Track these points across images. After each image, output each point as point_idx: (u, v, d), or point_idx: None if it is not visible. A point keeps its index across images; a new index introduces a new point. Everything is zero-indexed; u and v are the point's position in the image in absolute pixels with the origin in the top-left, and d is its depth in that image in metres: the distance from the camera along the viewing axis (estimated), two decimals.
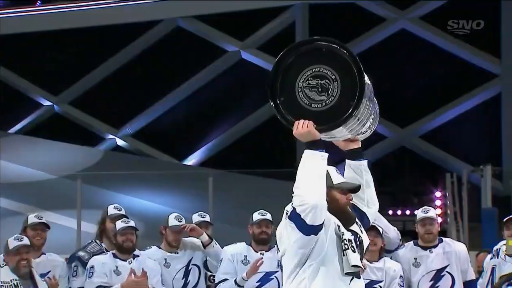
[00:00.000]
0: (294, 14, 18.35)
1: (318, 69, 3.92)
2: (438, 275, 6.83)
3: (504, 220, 7.30)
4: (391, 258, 6.96)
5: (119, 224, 6.64)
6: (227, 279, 6.63)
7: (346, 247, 4.02)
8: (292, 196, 4.02)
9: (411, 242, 7.02)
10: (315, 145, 3.99)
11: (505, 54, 17.72)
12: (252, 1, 18.13)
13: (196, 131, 19.04)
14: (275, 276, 6.74)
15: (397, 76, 18.05)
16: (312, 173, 3.97)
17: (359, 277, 4.10)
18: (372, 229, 6.79)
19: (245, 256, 6.72)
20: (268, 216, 6.85)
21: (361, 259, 4.15)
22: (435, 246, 6.91)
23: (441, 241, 6.98)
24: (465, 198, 14.79)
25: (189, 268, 6.97)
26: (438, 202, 15.76)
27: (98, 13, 18.62)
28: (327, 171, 4.18)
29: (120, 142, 19.52)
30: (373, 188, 4.32)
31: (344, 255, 4.01)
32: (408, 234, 7.68)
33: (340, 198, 4.14)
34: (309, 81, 3.94)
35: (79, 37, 18.81)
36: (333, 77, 3.90)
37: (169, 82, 19.02)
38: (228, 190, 14.59)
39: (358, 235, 4.17)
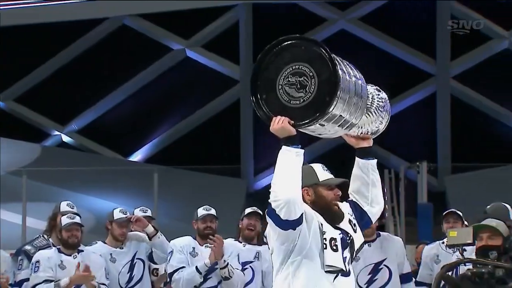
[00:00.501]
0: (238, 13, 18.37)
1: (298, 66, 3.91)
2: (376, 268, 6.91)
3: (444, 213, 7.44)
4: None
5: (65, 220, 6.61)
6: (184, 267, 6.67)
7: (325, 247, 3.97)
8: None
9: None
10: (290, 141, 3.93)
11: (439, 54, 18.00)
12: (196, 0, 18.10)
13: (142, 127, 18.94)
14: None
15: None
16: (286, 169, 3.91)
17: (347, 275, 4.04)
18: None
19: (193, 248, 6.78)
20: (213, 211, 6.90)
21: (352, 258, 4.10)
22: (373, 240, 6.99)
23: (379, 235, 7.06)
24: (402, 194, 14.99)
25: (134, 262, 6.98)
26: None
27: (44, 10, 18.39)
28: (312, 168, 4.16)
29: (65, 139, 19.30)
30: (379, 188, 4.28)
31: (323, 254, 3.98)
32: None
33: (327, 195, 4.10)
34: (289, 79, 3.92)
35: (25, 34, 18.55)
36: (310, 74, 3.90)
37: (115, 79, 18.88)
38: (173, 186, 14.55)
39: (349, 235, 4.11)
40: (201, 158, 17.65)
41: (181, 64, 18.77)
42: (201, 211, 6.89)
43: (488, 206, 6.69)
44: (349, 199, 4.26)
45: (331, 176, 4.19)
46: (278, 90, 3.94)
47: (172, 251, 6.76)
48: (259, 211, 7.03)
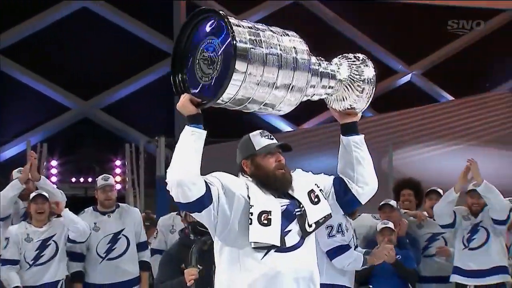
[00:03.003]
0: None
1: (210, 41, 3.44)
2: (115, 238, 6.96)
3: None
4: None
5: None
6: None
7: (250, 222, 3.46)
8: None
9: (91, 208, 7.08)
10: (189, 119, 3.47)
11: (176, 33, 18.31)
12: None
13: None
14: None
15: (82, 52, 17.91)
16: (179, 149, 3.44)
17: (288, 250, 3.50)
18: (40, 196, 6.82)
19: None
20: None
21: (303, 232, 3.53)
22: (112, 211, 7.02)
23: (118, 206, 7.11)
24: (142, 167, 15.12)
25: None
26: (118, 170, 15.93)
27: None
28: (249, 138, 3.68)
29: None
30: (367, 166, 3.69)
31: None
32: (89, 200, 7.67)
33: (267, 164, 3.60)
34: (204, 54, 3.45)
35: None
36: (218, 48, 3.41)
37: None
38: None
39: (301, 205, 3.56)
40: None
41: None
42: None
43: None
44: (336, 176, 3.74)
45: (271, 141, 3.65)
46: (195, 66, 3.49)
47: None
48: None
